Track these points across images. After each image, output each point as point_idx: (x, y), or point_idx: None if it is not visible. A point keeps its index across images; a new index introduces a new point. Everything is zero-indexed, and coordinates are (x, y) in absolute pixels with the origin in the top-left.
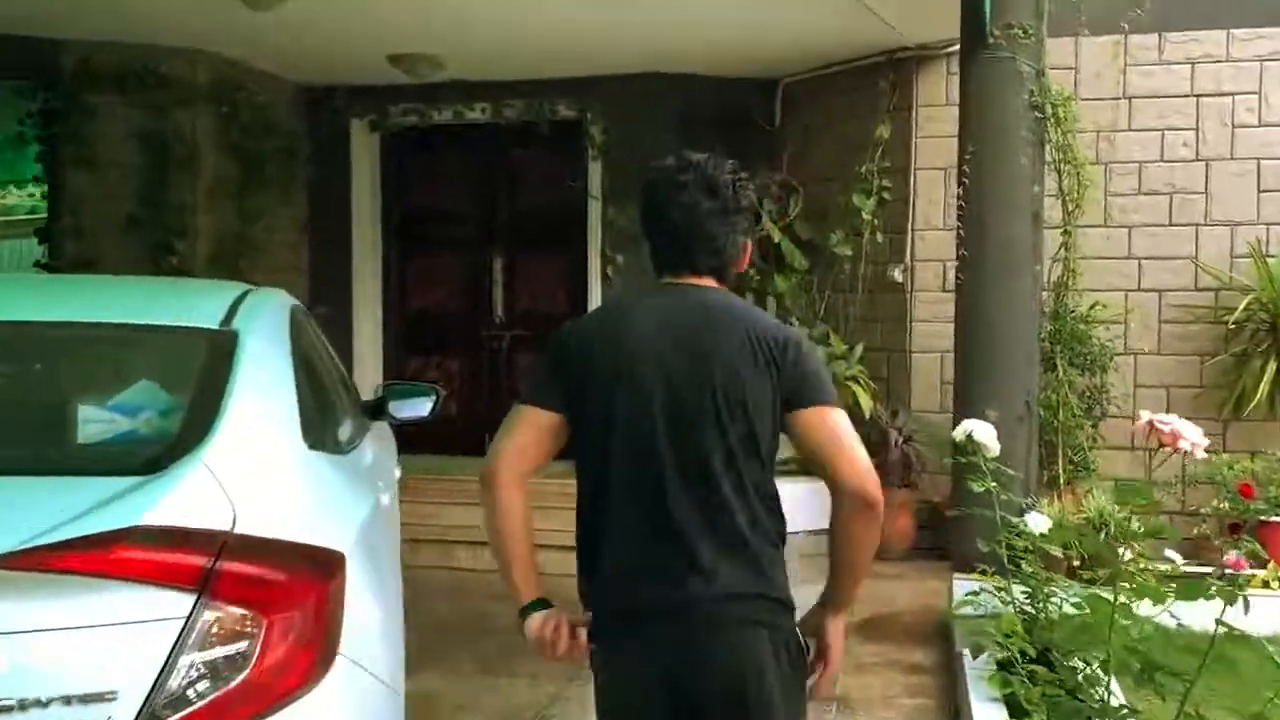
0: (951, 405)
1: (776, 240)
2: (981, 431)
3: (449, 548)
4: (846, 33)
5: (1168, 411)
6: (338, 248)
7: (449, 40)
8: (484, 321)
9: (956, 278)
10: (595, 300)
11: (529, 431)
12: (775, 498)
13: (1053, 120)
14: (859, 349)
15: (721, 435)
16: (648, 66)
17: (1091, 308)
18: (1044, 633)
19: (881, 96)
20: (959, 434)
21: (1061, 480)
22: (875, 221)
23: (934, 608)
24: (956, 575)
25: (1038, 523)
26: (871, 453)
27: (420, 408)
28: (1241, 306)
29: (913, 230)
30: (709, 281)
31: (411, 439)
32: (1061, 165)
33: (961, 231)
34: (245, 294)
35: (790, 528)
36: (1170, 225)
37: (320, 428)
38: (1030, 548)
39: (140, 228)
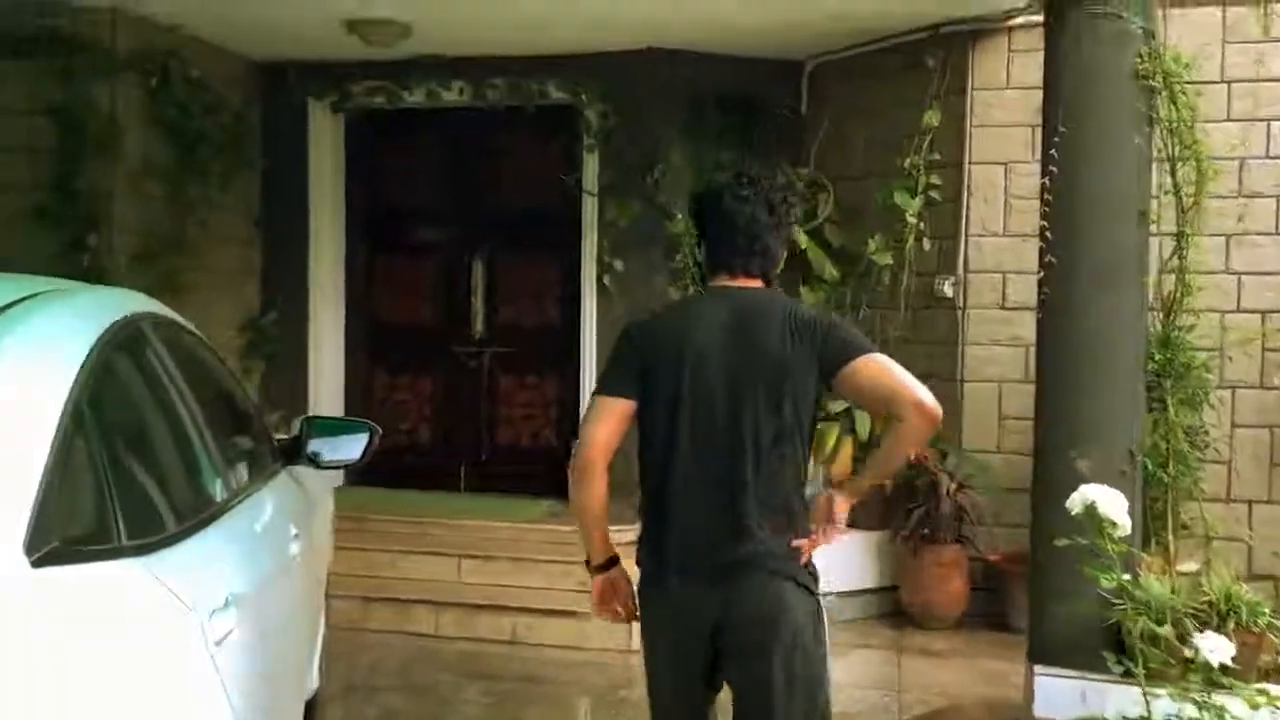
0: (1007, 444)
1: (803, 247)
2: (1109, 503)
3: (406, 608)
4: (886, 2)
5: (1273, 457)
6: (293, 248)
7: (416, 2)
8: (461, 335)
9: (1041, 292)
10: (589, 313)
11: (612, 420)
12: (803, 466)
13: (1165, 95)
14: None
15: (773, 417)
16: (652, 42)
17: (1189, 329)
18: None
19: (928, 79)
20: (1075, 504)
21: (1173, 550)
22: (921, 225)
23: (1003, 702)
24: (1038, 668)
25: (1214, 648)
26: (917, 502)
27: (349, 449)
28: None
29: (966, 236)
30: (757, 282)
31: (373, 469)
32: (1176, 151)
33: (1048, 233)
34: (22, 299)
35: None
36: (1277, 234)
37: (105, 512)
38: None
39: (49, 220)
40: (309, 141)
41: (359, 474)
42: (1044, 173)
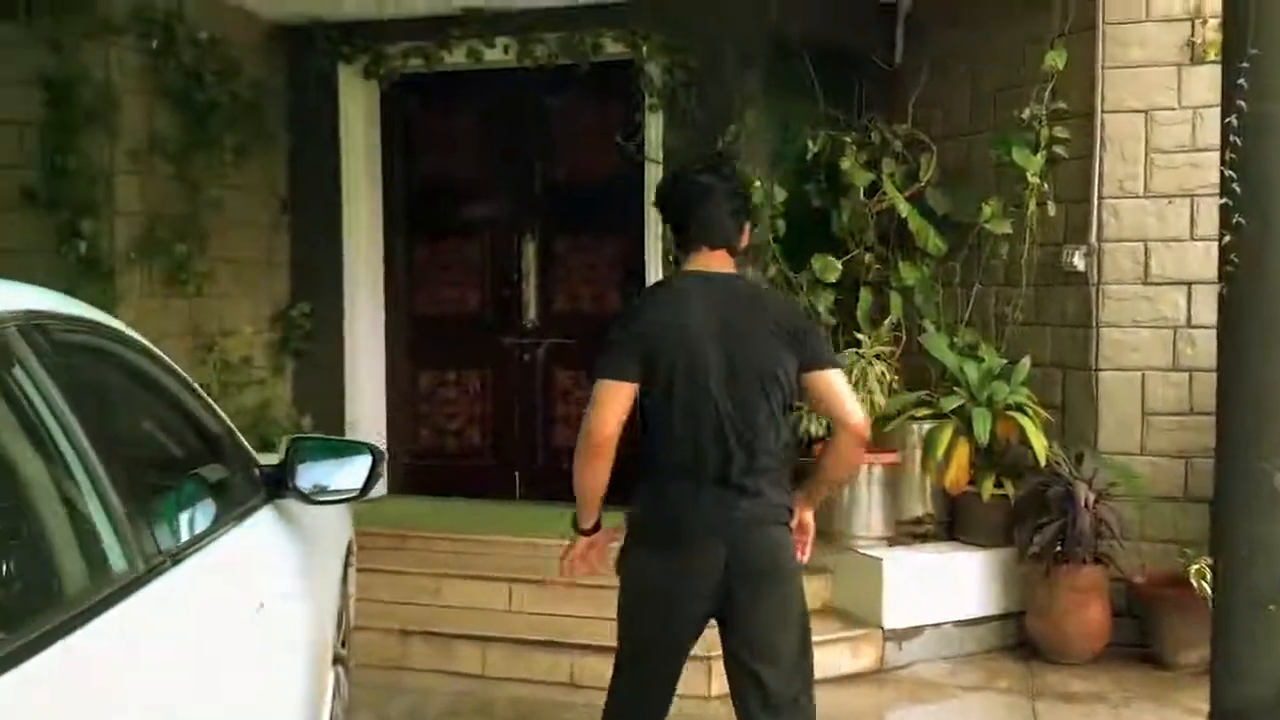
0: (1152, 445)
1: (903, 215)
2: None
3: (449, 644)
4: None
5: None
6: (324, 232)
7: None
8: (512, 325)
9: (1225, 262)
10: None
11: (618, 403)
12: (787, 439)
13: None
14: (1023, 365)
15: (764, 394)
16: None
17: None
18: None
19: (1049, 14)
20: None
21: None
22: (1044, 187)
23: None
24: None
25: None
26: (1049, 516)
27: (346, 477)
28: None
29: (1099, 199)
30: (728, 258)
31: (417, 476)
32: None
33: (1235, 186)
34: None
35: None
36: None
37: None
38: None
39: (39, 203)
40: (339, 112)
41: (401, 481)
42: (1226, 112)
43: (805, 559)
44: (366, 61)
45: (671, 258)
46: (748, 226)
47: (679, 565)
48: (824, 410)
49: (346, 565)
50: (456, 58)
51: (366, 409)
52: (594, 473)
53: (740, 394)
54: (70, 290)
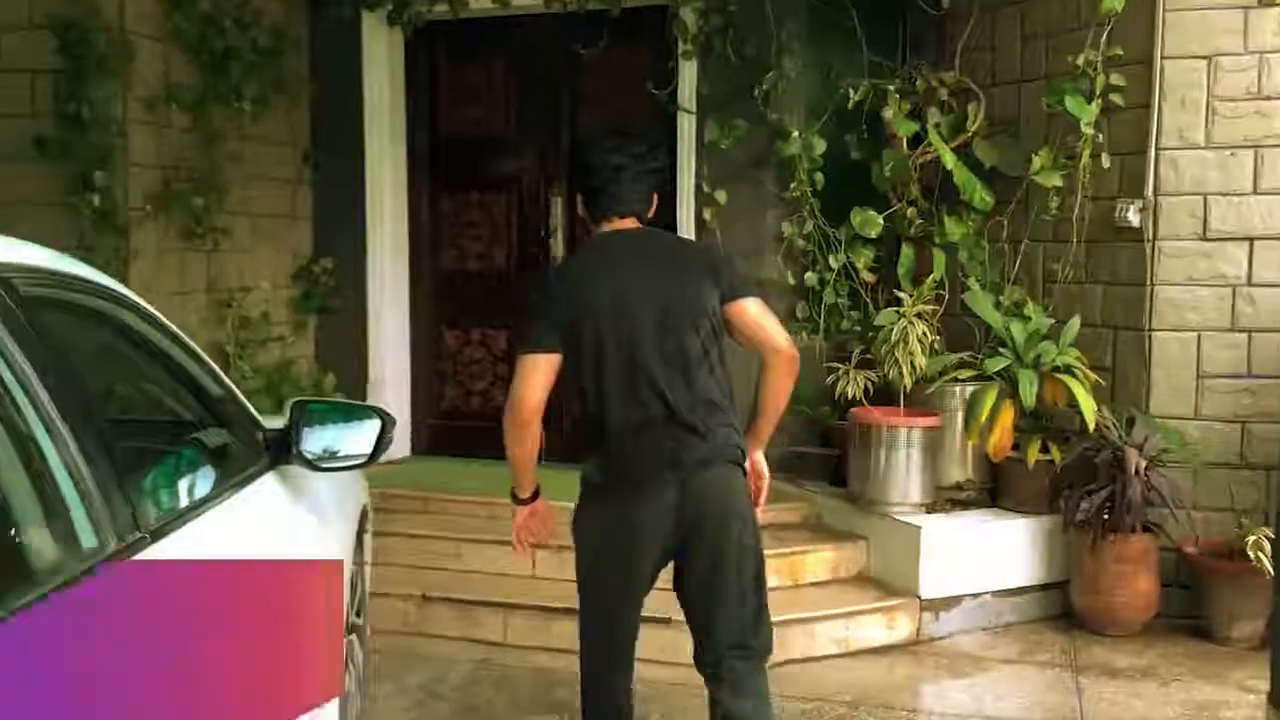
0: (1207, 408)
1: (948, 167)
2: None
3: (470, 610)
4: None
5: None
6: (347, 185)
7: None
8: None
9: None
10: None
11: (544, 375)
12: (726, 373)
13: None
14: (1072, 325)
15: (695, 333)
16: None
17: None
18: None
19: None
20: None
21: None
22: (1098, 138)
23: None
24: None
25: None
26: (1095, 484)
27: (354, 442)
28: None
29: (1156, 150)
30: (634, 221)
31: (443, 437)
32: None
33: None
34: None
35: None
36: None
37: None
38: None
39: (51, 153)
40: (363, 61)
41: (427, 443)
42: None
43: (762, 506)
44: (390, 7)
45: (705, 215)
46: (655, 196)
47: (632, 513)
48: (749, 340)
49: (362, 531)
50: (482, 3)
51: (390, 368)
52: (522, 443)
53: (674, 337)
54: (82, 244)
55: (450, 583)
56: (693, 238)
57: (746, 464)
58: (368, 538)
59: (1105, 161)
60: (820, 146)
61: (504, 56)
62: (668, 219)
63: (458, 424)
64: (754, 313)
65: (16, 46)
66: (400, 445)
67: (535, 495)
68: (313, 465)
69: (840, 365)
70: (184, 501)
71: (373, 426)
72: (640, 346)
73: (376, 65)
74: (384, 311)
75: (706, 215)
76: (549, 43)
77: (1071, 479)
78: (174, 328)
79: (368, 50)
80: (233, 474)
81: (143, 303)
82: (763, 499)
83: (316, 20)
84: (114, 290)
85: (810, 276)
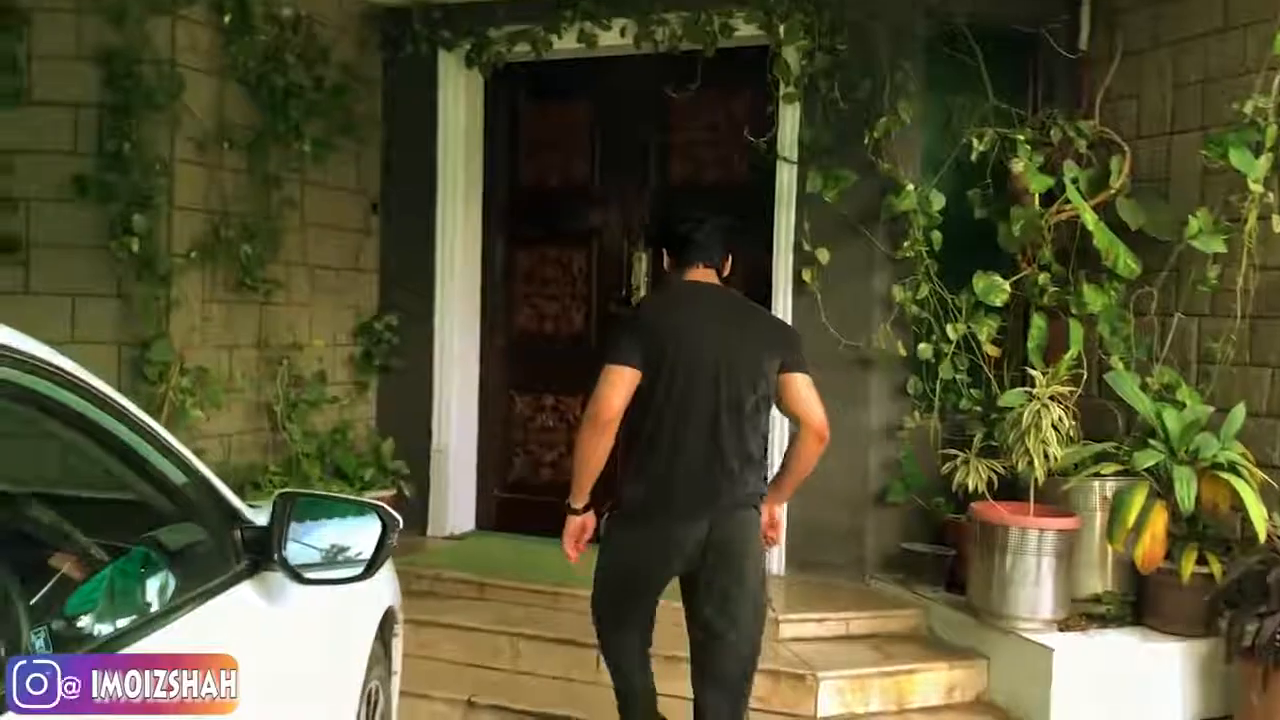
0: None
1: (1088, 228)
2: None
3: None
4: None
5: None
6: (416, 236)
7: None
8: None
9: None
10: (783, 318)
11: (625, 386)
12: (765, 432)
13: None
14: (1236, 414)
15: (752, 390)
16: None
17: None
18: None
19: None
20: None
21: None
22: (1268, 198)
23: None
24: None
25: None
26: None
27: (348, 545)
28: None
29: None
30: (713, 275)
31: (508, 513)
32: None
33: None
34: None
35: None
36: None
37: None
38: None
39: (93, 195)
40: (438, 103)
41: (493, 518)
42: None
43: (768, 543)
44: (469, 47)
45: (805, 275)
46: (729, 259)
47: (663, 539)
48: (790, 408)
49: (388, 637)
50: (567, 42)
51: (455, 435)
52: (599, 449)
53: (734, 389)
54: (120, 292)
55: (502, 686)
56: (789, 300)
57: (763, 506)
58: (397, 641)
59: (1276, 225)
60: (939, 202)
61: (588, 100)
62: (763, 279)
63: (525, 498)
64: (801, 386)
65: (59, 79)
66: (464, 519)
67: (588, 508)
68: (297, 576)
69: (959, 452)
70: (128, 619)
71: (372, 529)
72: (704, 388)
73: (452, 109)
74: (451, 374)
75: (806, 276)
76: (637, 86)
77: (1235, 598)
78: (128, 404)
79: (444, 93)
80: (198, 582)
81: (88, 376)
82: (771, 539)
83: (389, 59)
84: (43, 361)
85: (924, 348)
